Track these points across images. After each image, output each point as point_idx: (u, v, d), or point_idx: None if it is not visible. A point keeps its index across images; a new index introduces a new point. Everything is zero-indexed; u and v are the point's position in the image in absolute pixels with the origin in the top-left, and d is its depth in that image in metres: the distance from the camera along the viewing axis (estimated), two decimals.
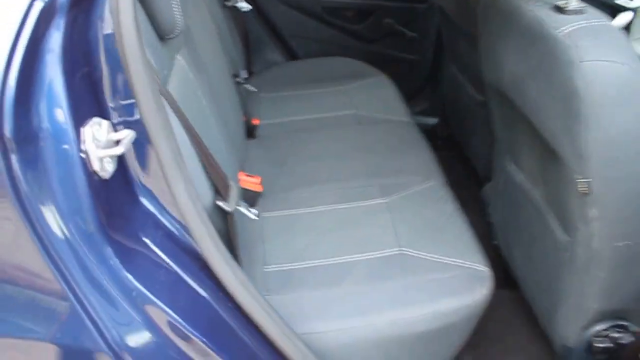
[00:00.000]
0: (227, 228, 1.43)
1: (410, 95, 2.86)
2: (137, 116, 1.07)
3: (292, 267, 1.66)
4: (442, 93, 2.94)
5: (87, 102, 1.03)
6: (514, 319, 2.03)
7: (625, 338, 1.56)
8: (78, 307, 1.03)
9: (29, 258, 1.02)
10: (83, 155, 1.00)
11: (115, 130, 1.07)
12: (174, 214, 1.13)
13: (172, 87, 1.46)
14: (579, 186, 1.42)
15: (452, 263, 1.65)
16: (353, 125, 2.41)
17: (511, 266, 1.98)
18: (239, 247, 1.48)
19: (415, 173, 2.05)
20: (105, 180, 1.04)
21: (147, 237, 1.12)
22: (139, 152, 1.10)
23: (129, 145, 1.05)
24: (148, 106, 1.04)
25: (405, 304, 1.55)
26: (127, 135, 1.04)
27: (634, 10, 1.81)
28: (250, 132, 2.37)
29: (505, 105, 1.85)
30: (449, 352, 1.65)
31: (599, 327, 1.57)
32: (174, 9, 1.49)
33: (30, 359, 1.09)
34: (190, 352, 1.10)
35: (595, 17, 1.44)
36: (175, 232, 1.15)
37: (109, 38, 1.06)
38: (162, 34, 1.50)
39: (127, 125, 1.08)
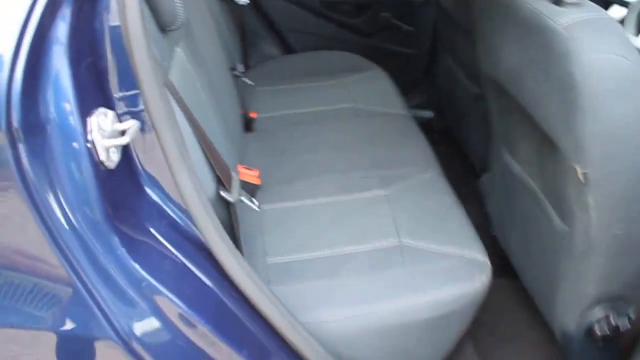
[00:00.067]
0: (229, 219, 1.44)
1: (406, 88, 2.87)
2: (141, 106, 1.08)
3: (293, 259, 1.67)
4: (437, 86, 2.96)
5: (93, 92, 1.04)
6: (513, 307, 2.05)
7: (624, 322, 1.57)
8: (86, 296, 1.05)
9: (36, 247, 1.03)
10: (89, 146, 1.01)
11: (120, 121, 1.08)
12: (179, 204, 1.14)
13: (172, 79, 1.47)
14: (578, 174, 1.44)
15: (452, 252, 1.67)
16: (351, 118, 2.42)
17: (509, 256, 2.00)
18: (241, 238, 1.49)
19: (414, 164, 2.06)
20: (111, 171, 1.06)
21: (152, 227, 1.13)
22: (143, 143, 1.11)
23: (135, 135, 1.05)
24: (152, 96, 1.05)
25: (407, 293, 1.57)
26: (132, 125, 1.05)
27: (626, 5, 1.83)
28: (248, 125, 2.38)
29: (502, 97, 1.87)
30: (450, 340, 1.67)
31: (598, 312, 1.59)
32: (176, 0, 1.49)
33: (38, 347, 1.10)
34: (198, 341, 1.12)
35: (593, 10, 1.46)
36: (180, 222, 1.16)
37: (115, 29, 1.07)
38: (163, 26, 1.51)
39: (132, 115, 1.09)
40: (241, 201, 1.52)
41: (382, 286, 1.59)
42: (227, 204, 1.43)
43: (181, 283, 1.12)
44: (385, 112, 2.44)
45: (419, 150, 2.17)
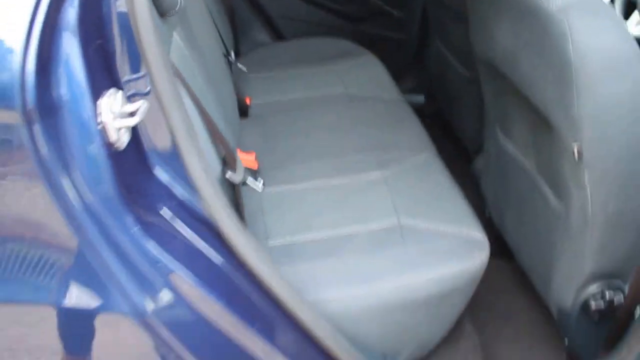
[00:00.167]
0: (234, 200, 1.46)
1: (397, 74, 2.88)
2: (148, 88, 1.10)
3: (294, 240, 1.70)
4: (428, 71, 2.98)
5: (103, 74, 1.05)
6: (509, 287, 2.08)
7: (619, 297, 1.61)
8: (102, 273, 1.06)
9: (52, 225, 1.05)
10: (100, 127, 1.02)
11: (129, 103, 1.09)
12: (187, 184, 1.16)
13: None
14: (574, 153, 1.47)
15: (451, 231, 1.70)
16: (344, 103, 2.44)
17: (504, 236, 2.03)
18: (246, 219, 1.51)
19: (409, 147, 2.09)
20: (121, 152, 1.07)
21: (162, 208, 1.15)
22: (150, 124, 1.12)
23: (144, 115, 1.07)
24: (160, 77, 1.07)
25: (407, 271, 1.60)
26: (141, 105, 1.06)
27: None
28: (242, 111, 2.39)
29: (496, 79, 1.89)
30: (451, 317, 1.70)
31: (594, 288, 1.62)
32: None
33: (54, 323, 1.12)
34: (211, 316, 1.14)
35: None
36: (188, 202, 1.17)
37: (122, 13, 1.08)
38: (162, 11, 1.52)
39: (139, 97, 1.10)
40: (245, 183, 1.53)
41: (383, 265, 1.61)
42: (231, 186, 1.44)
43: (192, 261, 1.14)
44: (378, 97, 2.46)
45: (414, 133, 2.19)
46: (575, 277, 1.64)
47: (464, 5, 2.07)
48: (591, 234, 1.54)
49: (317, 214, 1.79)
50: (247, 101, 2.42)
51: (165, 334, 1.12)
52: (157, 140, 1.14)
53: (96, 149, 1.02)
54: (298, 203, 1.84)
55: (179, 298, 1.12)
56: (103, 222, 1.04)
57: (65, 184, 1.01)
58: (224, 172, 1.43)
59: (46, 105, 0.97)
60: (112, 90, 1.05)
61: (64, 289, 1.09)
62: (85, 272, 1.07)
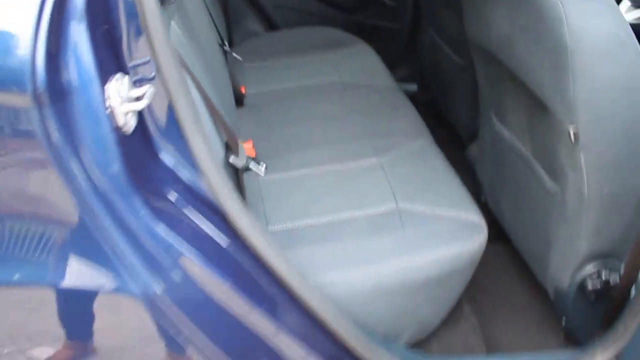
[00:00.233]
0: (237, 184, 1.47)
1: (390, 63, 2.90)
2: (154, 73, 1.11)
3: (294, 226, 1.71)
4: (421, 59, 3.00)
5: (110, 59, 1.06)
6: (505, 271, 2.11)
7: (615, 277, 1.64)
8: (112, 255, 1.08)
9: (62, 208, 1.06)
10: (108, 111, 1.04)
11: (135, 87, 1.11)
12: (192, 168, 1.17)
13: None
14: (570, 135, 1.49)
15: (449, 215, 1.72)
16: (339, 92, 2.45)
17: (500, 220, 2.05)
18: (247, 204, 1.52)
19: (405, 133, 2.11)
20: (128, 136, 1.09)
21: (168, 191, 1.16)
22: (156, 109, 1.14)
23: (151, 99, 1.08)
24: (166, 61, 1.08)
25: (407, 253, 1.62)
26: (147, 90, 1.08)
27: None
28: (238, 100, 2.41)
29: (491, 65, 1.91)
30: (451, 299, 1.72)
31: (590, 268, 1.65)
32: None
33: (64, 304, 1.14)
34: (219, 297, 1.16)
35: None
36: (194, 186, 1.19)
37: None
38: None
39: (145, 82, 1.12)
40: (248, 168, 1.55)
41: (382, 248, 1.63)
42: (233, 172, 1.46)
43: (199, 243, 1.16)
44: (373, 85, 2.48)
45: (409, 120, 2.21)
46: (571, 258, 1.66)
47: None
48: (587, 215, 1.57)
49: (315, 200, 1.80)
50: (243, 90, 2.43)
51: (175, 314, 1.14)
52: (162, 124, 1.15)
53: (105, 133, 1.03)
54: (296, 189, 1.86)
55: (188, 279, 1.14)
56: (112, 204, 1.06)
57: (75, 166, 1.02)
58: (227, 157, 1.45)
59: (56, 90, 0.99)
60: (119, 75, 1.06)
61: (74, 271, 1.10)
62: (95, 254, 1.09)
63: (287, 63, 2.70)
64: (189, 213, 1.17)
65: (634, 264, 1.52)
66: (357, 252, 1.62)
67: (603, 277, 1.65)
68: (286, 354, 1.26)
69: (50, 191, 1.05)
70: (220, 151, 1.43)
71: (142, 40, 1.10)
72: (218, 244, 1.19)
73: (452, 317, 1.84)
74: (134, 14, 1.08)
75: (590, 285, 1.66)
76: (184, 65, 1.34)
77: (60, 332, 1.15)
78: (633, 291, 1.54)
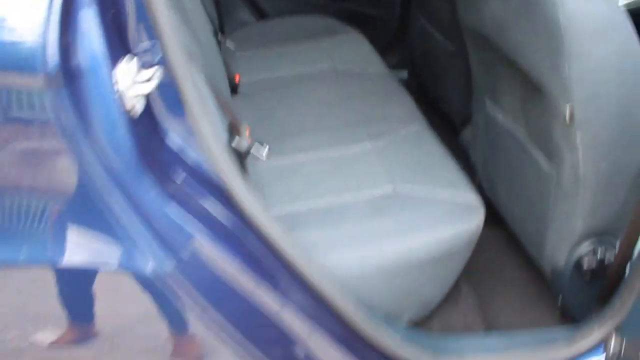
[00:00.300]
0: (241, 167, 1.49)
1: (380, 50, 2.92)
2: (160, 56, 1.13)
3: (293, 210, 1.73)
4: (411, 46, 3.01)
5: (118, 43, 1.08)
6: (501, 253, 2.13)
7: (610, 256, 1.67)
8: (125, 233, 1.10)
9: (74, 188, 1.08)
10: (117, 94, 1.06)
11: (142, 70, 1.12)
12: (198, 150, 1.19)
13: None
14: (565, 115, 1.52)
15: (446, 196, 1.74)
16: (332, 79, 2.47)
17: (495, 204, 2.08)
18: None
19: (400, 118, 2.13)
20: (136, 120, 1.10)
21: (174, 173, 1.18)
22: (161, 92, 1.15)
23: (158, 82, 1.10)
24: (171, 43, 1.10)
25: (407, 234, 1.65)
26: (155, 72, 1.09)
27: None
28: (232, 88, 2.42)
29: (484, 49, 1.93)
30: (450, 278, 1.75)
31: (586, 245, 1.68)
32: None
33: (77, 282, 1.15)
34: (227, 274, 1.19)
35: None
36: (199, 168, 1.20)
37: None
38: None
39: (152, 65, 1.13)
40: (249, 153, 1.57)
41: (382, 230, 1.66)
42: (236, 155, 1.47)
43: (207, 224, 1.18)
44: (365, 72, 2.50)
45: (403, 105, 2.23)
46: (567, 237, 1.69)
47: None
48: (583, 194, 1.60)
49: (313, 184, 1.82)
50: (236, 79, 2.44)
51: (187, 290, 1.16)
52: (168, 107, 1.16)
53: (115, 115, 1.05)
54: (294, 175, 1.88)
55: (198, 256, 1.16)
56: (125, 184, 1.08)
57: (88, 147, 1.04)
58: (230, 140, 1.47)
59: (68, 73, 1.00)
60: (127, 59, 1.08)
61: (87, 250, 1.12)
62: (109, 233, 1.11)
63: (280, 52, 2.71)
64: (195, 195, 1.19)
65: (629, 241, 1.54)
66: (358, 234, 1.65)
67: (599, 255, 1.68)
68: (291, 330, 1.28)
69: (63, 172, 1.07)
70: (224, 134, 1.44)
71: (148, 23, 1.11)
72: (225, 225, 1.20)
73: (451, 296, 1.86)
74: None
75: (586, 264, 1.69)
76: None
77: (73, 312, 1.17)
78: (628, 268, 1.57)
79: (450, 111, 2.62)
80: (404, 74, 3.09)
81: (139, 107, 1.10)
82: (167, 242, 1.13)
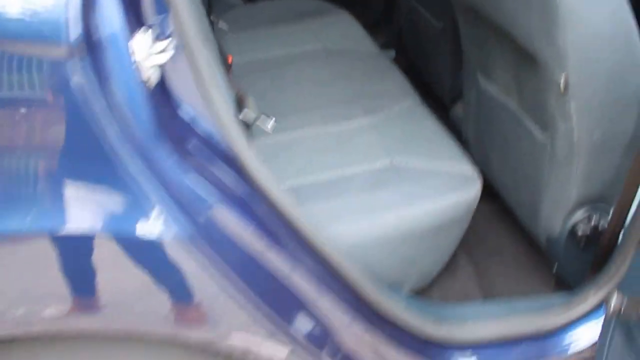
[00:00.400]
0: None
1: (367, 30, 2.94)
2: (172, 27, 1.15)
3: (294, 184, 1.76)
4: (398, 25, 3.04)
5: (135, 15, 1.10)
6: (496, 225, 2.18)
7: (605, 220, 1.71)
8: (147, 200, 1.13)
9: (95, 156, 1.11)
10: (134, 66, 1.08)
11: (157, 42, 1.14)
12: (209, 122, 1.21)
13: None
14: (560, 83, 1.56)
15: (443, 168, 1.78)
16: (323, 58, 2.49)
17: (489, 178, 2.12)
18: None
19: (393, 94, 2.16)
20: (152, 90, 1.13)
21: (188, 144, 1.20)
22: (174, 63, 1.18)
23: (172, 53, 1.12)
24: (184, 14, 1.12)
25: (408, 204, 1.68)
26: (169, 43, 1.12)
27: None
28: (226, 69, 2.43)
29: (476, 23, 1.96)
30: (449, 248, 1.79)
31: (581, 213, 1.73)
32: None
33: (99, 248, 1.18)
34: (242, 240, 1.23)
35: None
36: (210, 139, 1.23)
37: None
38: None
39: (165, 37, 1.15)
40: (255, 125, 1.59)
41: (383, 201, 1.69)
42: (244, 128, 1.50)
43: (222, 192, 1.21)
44: (356, 51, 2.52)
45: (396, 82, 2.26)
46: (562, 205, 1.74)
47: None
48: (577, 161, 1.64)
49: (312, 159, 1.85)
50: (229, 60, 2.45)
51: (207, 254, 1.20)
52: (180, 78, 1.19)
53: (134, 85, 1.08)
54: (292, 151, 1.90)
55: (216, 222, 1.20)
56: (144, 152, 1.11)
57: (109, 116, 1.07)
58: (238, 112, 1.49)
59: (88, 43, 1.03)
60: (142, 30, 1.10)
61: (108, 216, 1.15)
62: (130, 200, 1.14)
63: (269, 33, 2.72)
64: (208, 164, 1.21)
65: (622, 208, 1.59)
66: (360, 206, 1.68)
67: (593, 222, 1.73)
68: (301, 293, 1.33)
69: (85, 140, 1.09)
70: (232, 106, 1.47)
71: None
72: (236, 193, 1.23)
73: (450, 266, 1.91)
74: None
75: (580, 231, 1.74)
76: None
77: (92, 278, 1.20)
78: (621, 235, 1.61)
79: (439, 89, 2.65)
80: (392, 53, 3.11)
81: (154, 78, 1.12)
82: (187, 208, 1.16)
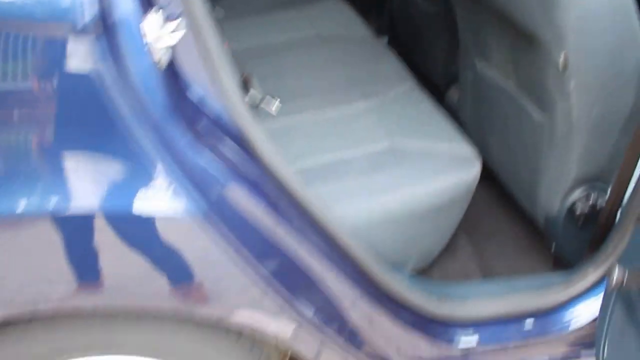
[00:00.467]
0: None
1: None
2: (181, 9, 1.16)
3: (298, 167, 1.77)
4: (390, 12, 3.05)
5: None
6: (494, 207, 2.21)
7: (603, 199, 1.74)
8: (163, 179, 1.16)
9: (110, 135, 1.13)
10: (147, 47, 1.09)
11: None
12: (217, 102, 1.23)
13: None
14: (559, 62, 1.58)
15: (443, 149, 1.81)
16: (318, 45, 2.50)
17: (487, 161, 2.14)
18: None
19: (390, 79, 2.17)
20: (163, 70, 1.14)
21: (197, 125, 1.22)
22: (183, 44, 1.19)
23: (182, 34, 1.13)
24: None
25: (409, 184, 1.71)
26: (179, 24, 1.13)
27: None
28: None
29: (473, 6, 1.98)
30: (450, 227, 1.82)
31: (579, 192, 1.75)
32: None
33: (114, 224, 1.19)
34: (254, 214, 1.25)
35: None
36: (219, 119, 1.24)
37: None
38: None
39: (175, 18, 1.16)
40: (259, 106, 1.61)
41: (384, 182, 1.72)
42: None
43: (230, 171, 1.23)
44: (351, 36, 2.53)
45: (392, 66, 2.27)
46: (561, 184, 1.76)
47: None
48: (576, 139, 1.66)
49: (312, 143, 1.87)
50: (226, 46, 2.45)
51: (220, 231, 1.23)
52: (189, 61, 1.20)
53: (147, 66, 1.10)
54: (292, 136, 1.91)
55: (225, 199, 1.23)
56: (159, 132, 1.13)
57: (123, 96, 1.08)
58: (244, 94, 1.51)
59: (103, 24, 1.04)
60: (153, 11, 1.11)
61: (125, 196, 1.16)
62: (146, 179, 1.15)
63: (261, 20, 2.72)
64: (218, 143, 1.23)
65: (620, 186, 1.62)
66: (361, 187, 1.70)
67: (591, 201, 1.75)
68: (310, 271, 1.36)
69: (100, 120, 1.10)
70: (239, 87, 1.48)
71: None
72: (246, 172, 1.25)
73: (450, 247, 1.94)
74: None
75: (579, 209, 1.77)
76: None
77: (100, 257, 1.22)
78: (619, 214, 1.64)
79: (433, 75, 2.66)
80: (384, 40, 3.12)
81: (165, 59, 1.13)
82: (201, 186, 1.18)
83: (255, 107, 1.57)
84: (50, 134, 1.12)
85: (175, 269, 1.26)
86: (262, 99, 1.57)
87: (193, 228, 1.21)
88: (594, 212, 1.76)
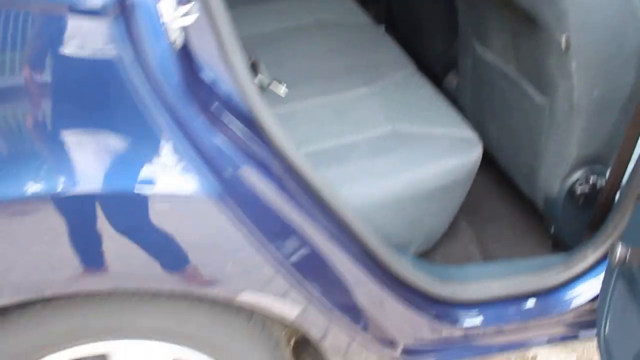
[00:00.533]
0: None
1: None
2: None
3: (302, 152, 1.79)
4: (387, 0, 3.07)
5: None
6: (493, 191, 2.24)
7: (602, 181, 1.77)
8: (178, 158, 1.18)
9: (127, 113, 1.15)
10: (163, 27, 1.11)
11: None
12: (229, 84, 1.24)
13: None
14: (561, 43, 1.60)
15: (444, 133, 1.83)
16: (318, 32, 2.51)
17: (486, 145, 2.16)
18: None
19: (390, 64, 2.19)
20: (177, 52, 1.16)
21: (211, 106, 1.24)
22: (196, 26, 1.20)
23: (197, 15, 1.15)
24: None
25: (411, 167, 1.73)
26: (192, 7, 1.15)
27: None
28: None
29: None
30: (452, 209, 1.85)
31: (579, 174, 1.78)
32: None
33: (130, 204, 1.22)
34: (270, 199, 1.28)
35: None
36: (230, 101, 1.26)
37: None
38: None
39: (188, 1, 1.18)
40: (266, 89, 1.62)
41: (388, 165, 1.74)
42: None
43: (242, 152, 1.25)
44: (350, 23, 2.55)
45: (392, 52, 2.29)
46: (561, 166, 1.79)
47: None
48: (577, 121, 1.69)
49: (314, 129, 1.88)
50: None
51: (234, 211, 1.25)
52: (202, 43, 1.21)
53: (164, 46, 1.11)
54: (295, 122, 1.93)
55: (244, 180, 1.25)
56: (175, 113, 1.15)
57: (141, 76, 1.10)
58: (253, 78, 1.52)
59: (121, 5, 1.06)
60: None
61: (144, 176, 1.19)
62: (161, 159, 1.18)
63: (260, 9, 2.73)
64: (230, 125, 1.25)
65: (619, 167, 1.65)
66: (364, 171, 1.72)
67: (591, 182, 1.78)
68: (320, 252, 1.39)
69: (118, 97, 1.12)
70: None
71: None
72: (257, 153, 1.27)
73: (451, 230, 1.97)
74: None
75: (579, 190, 1.79)
76: None
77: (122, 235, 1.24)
78: (618, 194, 1.67)
79: (431, 61, 2.68)
80: (381, 28, 3.13)
81: (179, 40, 1.15)
82: (215, 167, 1.20)
83: (263, 91, 1.58)
84: (65, 115, 1.14)
85: (189, 247, 1.28)
86: (269, 84, 1.59)
87: (208, 207, 1.22)
88: (594, 192, 1.79)
